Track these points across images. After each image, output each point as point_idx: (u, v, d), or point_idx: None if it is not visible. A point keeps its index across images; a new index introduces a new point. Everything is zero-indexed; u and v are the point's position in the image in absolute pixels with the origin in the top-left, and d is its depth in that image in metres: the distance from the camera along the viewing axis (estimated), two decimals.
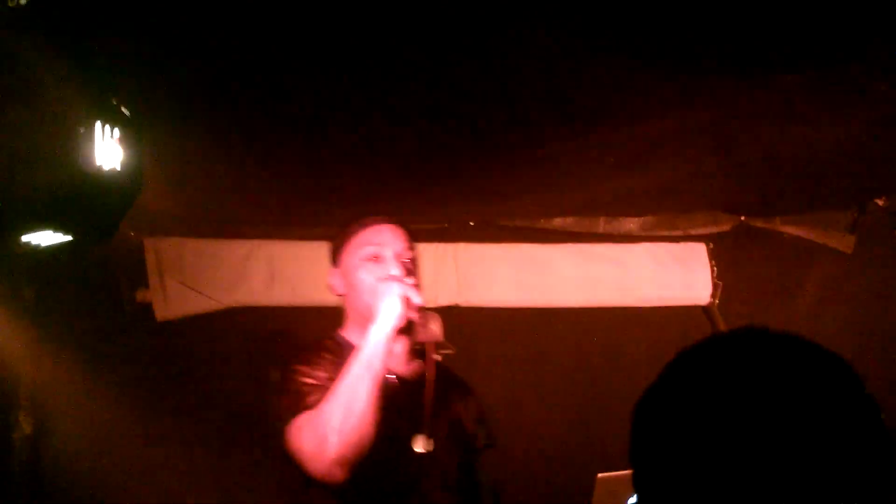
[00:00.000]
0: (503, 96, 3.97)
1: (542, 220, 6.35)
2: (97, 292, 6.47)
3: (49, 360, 6.23)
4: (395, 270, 3.16)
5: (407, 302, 3.07)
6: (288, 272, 6.29)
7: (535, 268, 6.49)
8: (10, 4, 2.64)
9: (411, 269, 3.23)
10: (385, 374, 3.06)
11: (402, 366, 3.26)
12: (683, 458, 1.33)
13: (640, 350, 6.49)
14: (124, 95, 3.06)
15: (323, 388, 3.01)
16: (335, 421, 2.84)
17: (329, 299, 6.28)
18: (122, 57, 3.19)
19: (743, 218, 6.44)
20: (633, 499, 1.44)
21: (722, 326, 6.44)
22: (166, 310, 6.30)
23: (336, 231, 3.53)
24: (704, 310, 6.64)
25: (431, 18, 3.16)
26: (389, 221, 3.34)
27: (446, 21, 3.18)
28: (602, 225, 6.46)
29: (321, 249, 6.31)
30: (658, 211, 6.44)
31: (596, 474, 3.39)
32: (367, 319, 3.13)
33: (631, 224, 6.49)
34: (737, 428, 1.30)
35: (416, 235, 3.36)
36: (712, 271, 6.63)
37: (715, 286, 6.61)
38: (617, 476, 3.27)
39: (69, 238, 2.90)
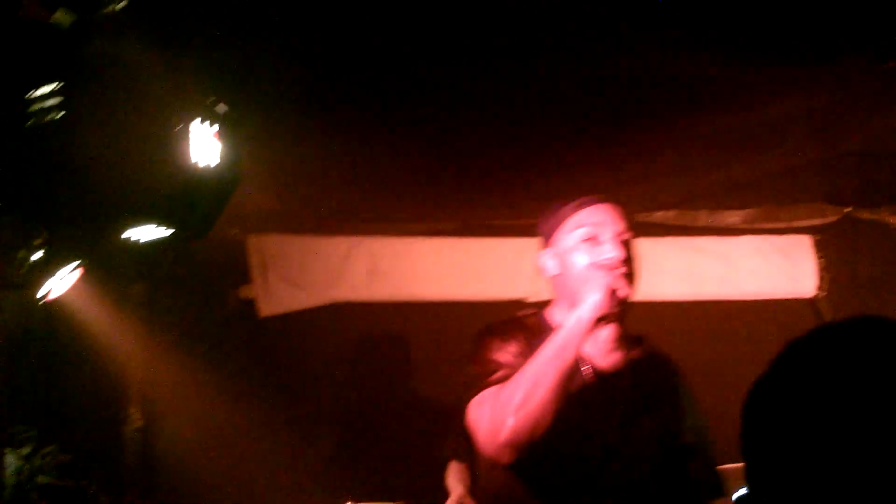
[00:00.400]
0: (602, 89, 3.96)
1: (642, 214, 6.30)
2: (203, 289, 6.59)
3: (158, 356, 6.36)
4: (614, 251, 2.97)
5: (612, 294, 2.90)
6: (388, 268, 6.34)
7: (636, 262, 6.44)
8: (106, 10, 2.71)
9: (629, 250, 3.04)
10: (580, 363, 2.95)
11: (604, 356, 3.08)
12: (795, 452, 1.31)
13: (745, 343, 6.43)
14: (226, 93, 3.11)
15: (510, 367, 2.89)
16: (514, 403, 2.73)
17: (427, 294, 6.37)
18: (222, 54, 3.26)
19: (849, 209, 6.32)
20: (743, 491, 1.43)
21: (828, 319, 6.35)
22: (269, 306, 6.40)
23: (547, 212, 3.28)
24: (810, 302, 6.55)
25: (538, 12, 3.17)
26: (608, 201, 3.14)
27: (554, 15, 3.19)
28: (704, 218, 6.39)
29: (422, 245, 6.43)
30: (761, 203, 6.35)
31: None
32: (573, 300, 2.97)
33: (733, 217, 6.41)
34: (850, 419, 1.27)
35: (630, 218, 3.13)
36: (818, 263, 6.53)
37: (821, 278, 6.51)
38: (726, 469, 3.24)
39: (169, 233, 2.96)
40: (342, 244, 6.36)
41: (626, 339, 3.15)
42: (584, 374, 2.97)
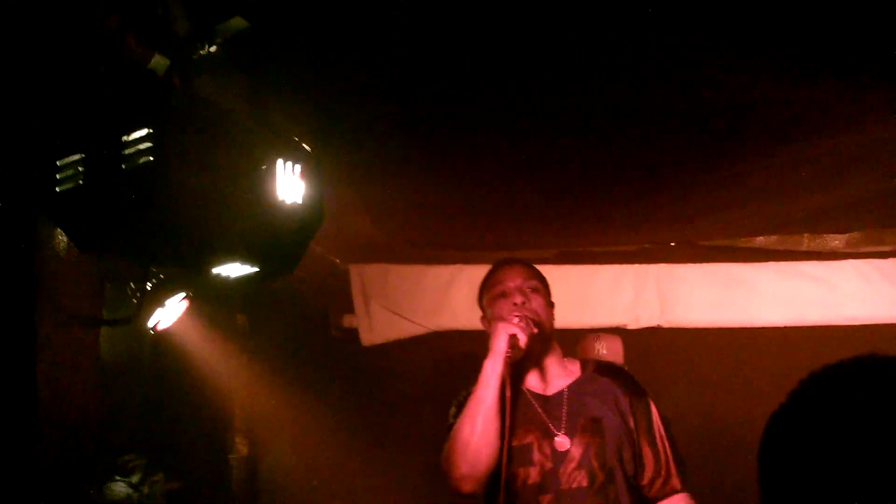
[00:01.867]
0: (701, 115, 3.95)
1: (743, 239, 6.26)
2: (306, 319, 6.68)
3: (262, 385, 6.45)
4: (517, 299, 3.47)
5: (511, 338, 3.33)
6: None
7: (737, 287, 6.41)
8: (202, 53, 2.81)
9: (529, 297, 3.51)
10: (519, 395, 3.45)
11: (545, 385, 3.53)
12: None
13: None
14: (318, 129, 3.18)
15: None
16: (455, 445, 3.30)
17: None
18: (311, 93, 3.34)
19: None
20: None
21: None
22: (371, 334, 6.46)
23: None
24: None
25: (628, 39, 3.19)
26: (513, 264, 3.67)
27: (645, 41, 3.21)
28: (805, 242, 6.32)
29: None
30: (864, 227, 6.26)
31: None
32: None
33: (836, 241, 6.33)
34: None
35: (532, 267, 3.71)
36: None
37: None
38: None
39: (255, 269, 3.04)
40: (443, 273, 6.41)
41: (565, 367, 3.59)
42: (527, 401, 3.47)
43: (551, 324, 3.57)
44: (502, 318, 3.42)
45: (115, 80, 2.77)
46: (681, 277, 6.43)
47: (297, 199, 2.93)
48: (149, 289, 4.80)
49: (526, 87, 3.66)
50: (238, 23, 2.83)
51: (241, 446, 6.49)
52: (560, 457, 3.36)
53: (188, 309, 5.17)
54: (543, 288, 3.63)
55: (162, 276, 4.87)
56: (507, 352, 3.33)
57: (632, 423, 3.44)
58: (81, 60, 2.79)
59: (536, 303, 3.52)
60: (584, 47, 3.29)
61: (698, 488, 3.65)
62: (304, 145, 3.03)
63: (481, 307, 3.78)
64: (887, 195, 5.29)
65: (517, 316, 3.40)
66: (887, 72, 3.52)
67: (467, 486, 3.30)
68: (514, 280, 3.56)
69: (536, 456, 3.37)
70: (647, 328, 6.40)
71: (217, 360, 6.14)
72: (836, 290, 6.40)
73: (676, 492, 3.42)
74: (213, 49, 2.83)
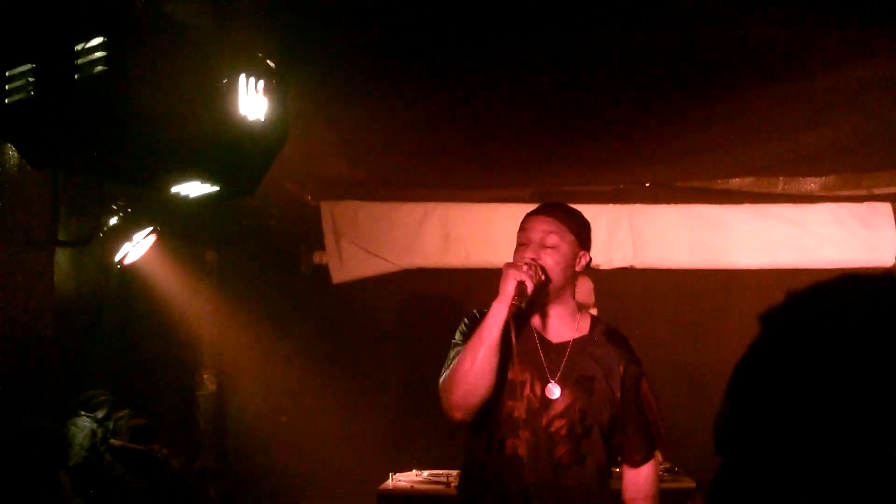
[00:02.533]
0: (679, 53, 3.90)
1: (718, 181, 6.23)
2: (276, 255, 6.63)
3: (230, 322, 6.41)
4: (530, 252, 3.57)
5: (518, 285, 3.45)
6: (462, 234, 6.33)
7: (712, 229, 6.38)
8: None
9: (540, 254, 3.59)
10: (528, 333, 3.61)
11: (550, 329, 3.66)
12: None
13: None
14: (294, 57, 3.10)
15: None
16: (455, 372, 3.45)
17: (501, 261, 6.34)
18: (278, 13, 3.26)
19: None
20: None
21: None
22: (342, 272, 6.42)
23: None
24: (890, 272, 6.42)
25: None
26: (540, 212, 3.70)
27: None
28: (781, 185, 6.29)
29: (495, 211, 6.40)
30: (840, 170, 6.23)
31: None
32: None
33: (811, 184, 6.31)
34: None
35: (568, 218, 3.69)
36: None
37: None
38: None
39: (216, 189, 2.96)
40: (416, 211, 6.36)
41: (575, 321, 3.71)
42: (531, 345, 3.60)
43: (566, 276, 3.65)
44: (511, 264, 3.55)
45: None
46: (655, 218, 6.40)
47: (260, 116, 2.84)
48: (118, 220, 4.73)
49: (502, 24, 3.59)
50: None
51: (208, 383, 6.45)
52: (547, 401, 3.53)
53: (156, 244, 5.11)
54: (564, 241, 3.67)
55: (129, 209, 4.80)
56: (513, 296, 3.44)
57: (619, 393, 3.58)
58: None
59: (552, 259, 3.61)
60: None
61: (669, 430, 3.72)
62: (269, 62, 2.94)
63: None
64: (864, 139, 5.25)
65: (527, 264, 3.51)
66: (865, 13, 3.46)
67: (458, 414, 3.49)
68: (535, 232, 3.64)
69: (527, 392, 3.54)
70: (619, 268, 6.37)
71: (186, 297, 6.09)
72: (811, 233, 6.39)
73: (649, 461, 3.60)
74: None
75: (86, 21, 2.48)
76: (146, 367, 5.82)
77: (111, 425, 4.77)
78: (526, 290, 3.47)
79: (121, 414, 4.84)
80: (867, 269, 6.22)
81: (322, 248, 6.48)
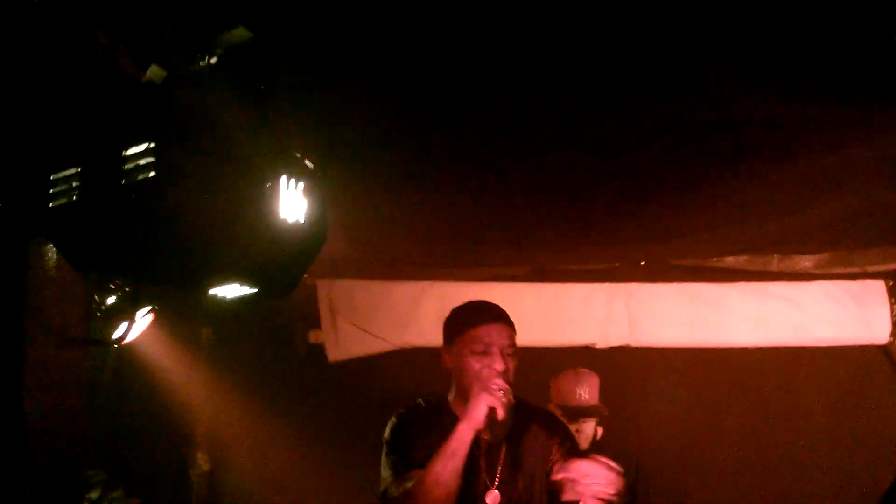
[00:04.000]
0: (673, 134, 3.93)
1: (713, 259, 6.25)
2: (272, 333, 6.62)
3: (225, 400, 6.38)
4: (498, 364, 3.63)
5: (491, 411, 3.48)
6: None
7: (707, 307, 6.39)
8: (197, 66, 2.73)
9: (508, 363, 3.67)
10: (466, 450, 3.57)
11: (492, 430, 3.61)
12: None
13: (818, 390, 6.34)
14: (308, 147, 3.12)
15: (420, 455, 3.63)
16: (419, 488, 3.49)
17: None
18: (303, 109, 3.28)
19: None
20: None
21: None
22: (338, 351, 6.40)
23: (454, 317, 4.02)
24: (884, 349, 6.44)
25: (606, 57, 3.16)
26: (498, 321, 3.77)
27: (620, 59, 3.18)
28: (775, 263, 6.31)
29: (491, 290, 6.38)
30: (833, 247, 6.26)
31: None
32: (465, 397, 3.70)
33: (805, 262, 6.33)
34: None
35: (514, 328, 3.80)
36: (892, 309, 6.42)
37: (895, 325, 6.40)
38: None
39: (254, 291, 2.95)
40: (412, 289, 6.36)
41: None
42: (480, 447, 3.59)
43: None
44: (484, 387, 3.55)
45: (113, 92, 2.69)
46: (650, 296, 6.41)
47: (300, 219, 2.83)
48: (115, 301, 4.72)
49: (498, 102, 3.62)
50: (240, 33, 2.76)
51: (202, 462, 6.41)
52: None
53: (154, 322, 5.10)
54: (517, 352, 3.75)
55: (127, 288, 4.80)
56: (483, 423, 3.48)
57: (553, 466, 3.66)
58: (77, 72, 2.72)
59: (513, 369, 3.67)
60: (560, 66, 3.25)
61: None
62: (308, 162, 2.94)
63: (449, 345, 3.91)
64: (857, 216, 5.29)
65: (499, 387, 3.53)
66: (858, 93, 3.50)
67: None
68: (499, 340, 3.68)
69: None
70: (615, 347, 6.37)
71: (180, 374, 6.07)
72: (806, 311, 6.40)
73: None
74: (213, 61, 2.76)
75: (132, 125, 2.51)
76: (140, 446, 5.79)
77: None
78: (496, 416, 3.47)
79: (115, 494, 4.82)
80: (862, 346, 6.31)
81: (317, 326, 6.46)
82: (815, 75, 3.35)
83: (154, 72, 2.68)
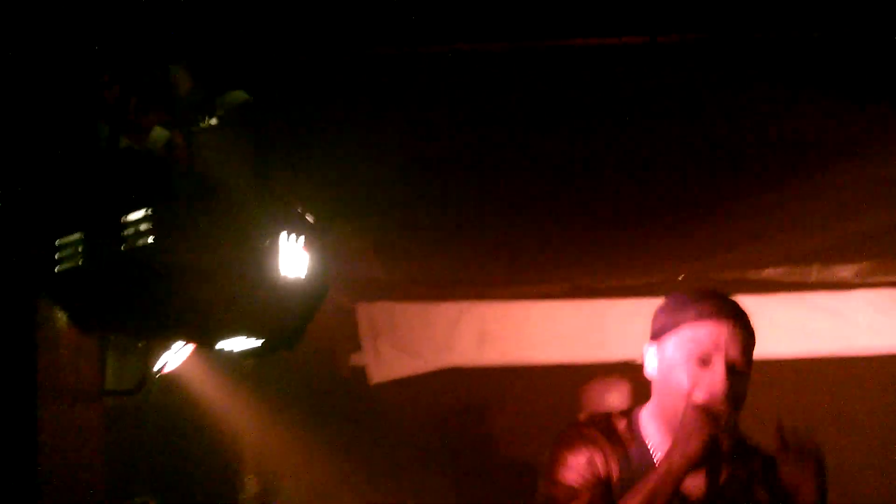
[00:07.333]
0: (714, 147, 3.94)
1: (752, 271, 6.22)
2: (314, 357, 6.66)
3: (270, 423, 6.43)
4: (720, 382, 2.77)
5: (709, 444, 2.73)
6: (497, 333, 6.35)
7: None
8: (202, 125, 2.80)
9: (738, 382, 2.81)
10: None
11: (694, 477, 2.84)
12: None
13: (862, 401, 6.31)
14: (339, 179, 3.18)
15: (587, 490, 2.82)
16: None
17: (537, 358, 6.36)
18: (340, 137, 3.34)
19: None
20: None
21: None
22: (380, 372, 6.44)
23: (667, 303, 3.02)
24: None
25: (645, 72, 3.18)
26: (731, 319, 2.88)
27: (659, 74, 3.19)
28: (815, 273, 6.27)
29: (531, 309, 6.42)
30: (874, 256, 6.22)
31: None
32: (668, 416, 2.87)
33: (845, 271, 6.28)
34: None
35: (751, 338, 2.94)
36: None
37: None
38: None
39: (259, 343, 3.00)
40: (451, 310, 6.39)
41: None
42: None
43: None
44: (709, 411, 2.74)
45: (115, 156, 2.75)
46: None
47: (301, 274, 2.89)
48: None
49: (536, 125, 3.65)
50: (239, 95, 2.83)
51: (251, 486, 6.45)
52: None
53: (196, 351, 5.15)
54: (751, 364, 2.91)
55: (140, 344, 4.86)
56: (700, 456, 2.72)
57: None
58: (81, 135, 2.78)
59: (743, 393, 2.85)
60: (594, 88, 3.28)
61: None
62: (308, 217, 3.00)
63: (656, 341, 2.99)
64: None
65: (725, 419, 2.75)
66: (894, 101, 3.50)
67: None
68: (733, 349, 2.81)
69: None
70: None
71: (224, 400, 6.12)
72: (848, 320, 6.36)
73: None
74: (213, 121, 2.82)
75: (131, 190, 2.57)
76: (188, 472, 5.84)
77: None
78: (720, 447, 2.74)
79: None
80: None
81: (357, 349, 6.50)
82: (856, 89, 3.36)
83: (157, 134, 2.76)
